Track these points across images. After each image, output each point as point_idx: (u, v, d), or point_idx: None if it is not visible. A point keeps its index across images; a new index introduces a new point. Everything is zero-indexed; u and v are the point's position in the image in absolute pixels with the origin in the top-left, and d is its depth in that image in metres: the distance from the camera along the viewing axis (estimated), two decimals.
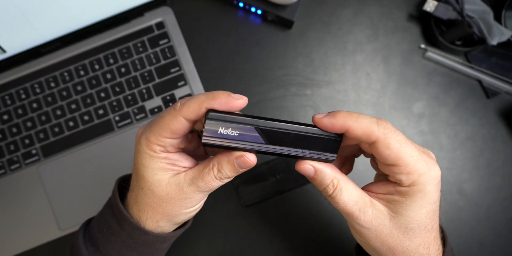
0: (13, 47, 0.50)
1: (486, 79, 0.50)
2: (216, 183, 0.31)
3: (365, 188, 0.32)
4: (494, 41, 0.47)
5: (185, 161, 0.32)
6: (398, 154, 0.28)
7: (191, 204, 0.32)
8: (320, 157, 0.30)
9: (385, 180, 0.31)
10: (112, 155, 0.50)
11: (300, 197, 0.49)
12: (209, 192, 0.33)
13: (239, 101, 0.28)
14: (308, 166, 0.30)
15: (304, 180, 0.49)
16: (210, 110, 0.28)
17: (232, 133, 0.28)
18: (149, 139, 0.30)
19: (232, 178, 0.31)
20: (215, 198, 0.49)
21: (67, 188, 0.50)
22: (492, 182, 0.49)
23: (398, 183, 0.30)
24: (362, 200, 0.30)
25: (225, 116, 0.28)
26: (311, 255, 0.48)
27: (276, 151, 0.29)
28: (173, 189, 0.31)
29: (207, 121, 0.28)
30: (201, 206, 0.34)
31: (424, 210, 0.29)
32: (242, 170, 0.30)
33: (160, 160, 0.30)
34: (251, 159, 0.29)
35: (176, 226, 0.35)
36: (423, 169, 0.29)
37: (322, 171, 0.30)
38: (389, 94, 0.51)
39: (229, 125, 0.28)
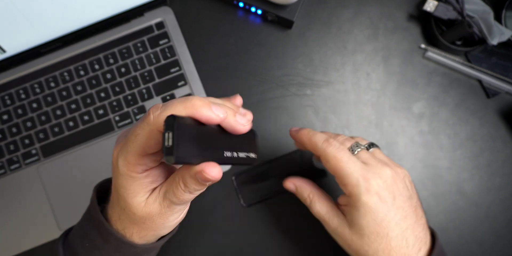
0: (13, 47, 0.50)
1: (486, 79, 0.50)
2: (189, 196, 0.29)
3: (337, 200, 0.38)
4: (494, 41, 0.47)
5: (165, 174, 0.31)
6: (336, 167, 0.35)
7: (173, 217, 0.32)
8: (246, 159, 0.29)
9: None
10: (112, 155, 0.50)
11: None
12: (188, 203, 0.32)
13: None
14: (290, 184, 0.41)
15: None
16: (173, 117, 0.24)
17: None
18: (129, 161, 0.27)
19: (204, 188, 0.29)
20: (215, 198, 0.49)
21: (67, 188, 0.50)
22: (492, 182, 0.49)
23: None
24: (331, 211, 0.37)
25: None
26: (311, 254, 0.48)
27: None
28: (152, 207, 0.30)
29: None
30: (185, 215, 0.34)
31: (369, 218, 0.34)
32: (209, 184, 0.28)
33: (142, 180, 0.29)
34: (212, 174, 0.25)
35: (162, 235, 0.35)
36: (355, 182, 0.34)
37: (301, 187, 0.40)
38: (389, 94, 0.51)
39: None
